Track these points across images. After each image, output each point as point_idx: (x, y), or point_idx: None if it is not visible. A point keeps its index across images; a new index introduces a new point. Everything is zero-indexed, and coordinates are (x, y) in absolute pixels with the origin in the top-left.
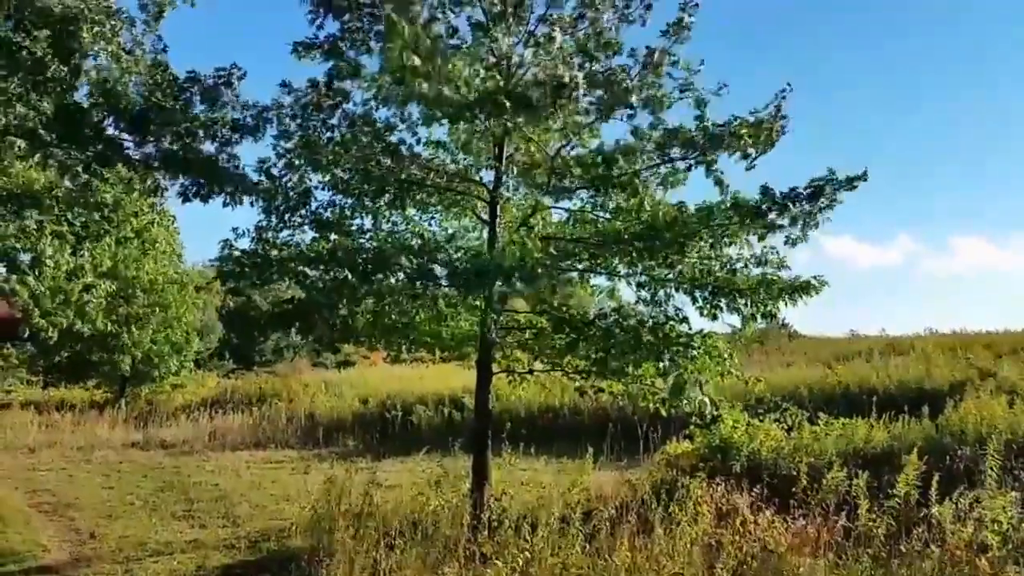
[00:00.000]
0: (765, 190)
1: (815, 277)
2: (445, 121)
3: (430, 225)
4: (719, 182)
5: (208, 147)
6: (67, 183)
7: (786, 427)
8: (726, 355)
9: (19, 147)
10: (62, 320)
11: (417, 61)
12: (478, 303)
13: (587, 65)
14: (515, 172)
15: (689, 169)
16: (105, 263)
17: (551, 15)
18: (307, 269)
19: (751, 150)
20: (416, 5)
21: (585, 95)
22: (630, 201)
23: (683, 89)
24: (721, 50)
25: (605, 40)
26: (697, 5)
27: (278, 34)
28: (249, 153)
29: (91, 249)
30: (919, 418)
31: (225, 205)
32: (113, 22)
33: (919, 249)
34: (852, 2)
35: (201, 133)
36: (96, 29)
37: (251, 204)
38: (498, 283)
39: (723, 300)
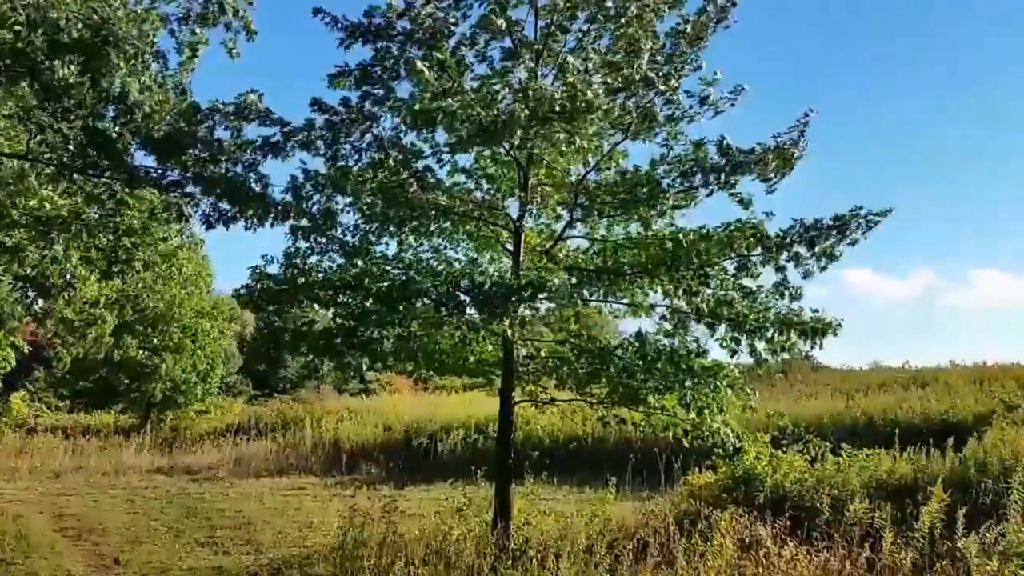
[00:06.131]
0: (792, 225)
1: (831, 319)
2: (471, 147)
3: (454, 253)
4: (745, 203)
5: (232, 168)
6: (94, 210)
7: (809, 458)
8: (748, 388)
9: (45, 174)
10: (76, 350)
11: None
12: (500, 329)
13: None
14: (539, 200)
15: (711, 194)
16: (128, 290)
17: (583, 49)
18: (335, 295)
19: (772, 175)
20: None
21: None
22: (652, 227)
23: (702, 101)
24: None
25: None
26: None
27: (306, 57)
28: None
29: (121, 274)
30: (943, 450)
31: (247, 228)
32: (145, 51)
33: (939, 282)
34: (871, 30)
35: (223, 158)
36: (128, 50)
37: (271, 224)
38: (521, 304)
39: (742, 335)
